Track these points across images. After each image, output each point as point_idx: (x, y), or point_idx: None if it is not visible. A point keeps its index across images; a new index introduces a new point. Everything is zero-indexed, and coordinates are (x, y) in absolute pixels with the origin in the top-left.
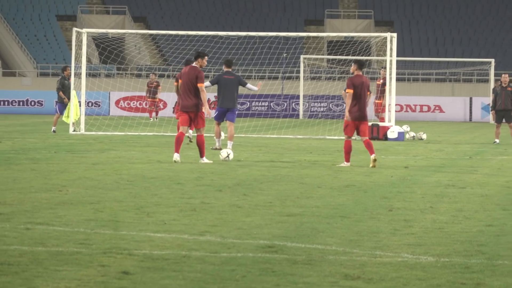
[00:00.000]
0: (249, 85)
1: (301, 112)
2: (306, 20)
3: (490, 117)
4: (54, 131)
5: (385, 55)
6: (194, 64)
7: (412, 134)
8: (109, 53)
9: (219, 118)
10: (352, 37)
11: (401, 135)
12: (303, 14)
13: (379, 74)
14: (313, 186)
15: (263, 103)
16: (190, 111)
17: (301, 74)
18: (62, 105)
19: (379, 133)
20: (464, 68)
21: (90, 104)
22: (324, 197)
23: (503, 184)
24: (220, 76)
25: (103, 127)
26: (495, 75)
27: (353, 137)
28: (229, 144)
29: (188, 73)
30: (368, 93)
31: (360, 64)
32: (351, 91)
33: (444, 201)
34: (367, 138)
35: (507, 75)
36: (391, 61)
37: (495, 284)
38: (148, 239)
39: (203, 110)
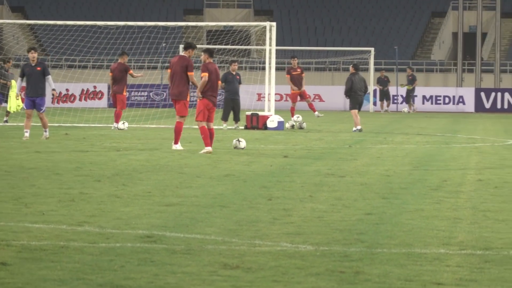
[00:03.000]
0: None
1: None
2: (185, 10)
3: (370, 106)
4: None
5: (264, 44)
6: (183, 54)
7: (292, 123)
8: None
9: (30, 107)
10: (232, 26)
11: (280, 125)
12: (182, 3)
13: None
14: (192, 175)
15: (142, 93)
16: (175, 99)
17: None
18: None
19: (259, 123)
20: (343, 57)
21: None
22: (203, 186)
23: (382, 172)
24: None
25: None
26: (375, 63)
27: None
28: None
29: (178, 62)
30: (219, 82)
31: (210, 52)
32: (206, 74)
33: (324, 190)
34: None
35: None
36: (270, 50)
37: (374, 272)
38: (26, 229)
39: (198, 95)
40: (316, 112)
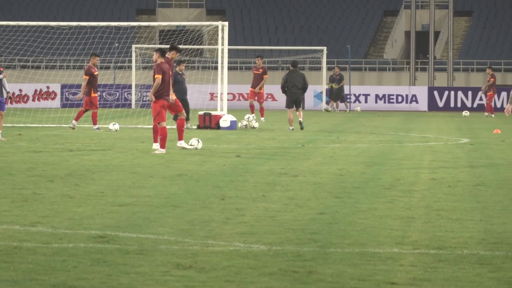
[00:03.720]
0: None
1: (133, 102)
2: (138, 10)
3: (323, 105)
4: None
5: (217, 43)
6: (167, 56)
7: (245, 122)
8: None
9: None
10: (184, 26)
11: (233, 124)
12: (135, 3)
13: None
14: (145, 175)
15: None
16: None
17: (133, 64)
18: None
19: (212, 122)
20: (296, 56)
21: None
22: (156, 186)
23: (335, 172)
24: None
25: None
26: (327, 63)
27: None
28: None
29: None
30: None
31: (162, 52)
32: (160, 76)
33: (277, 189)
34: (183, 118)
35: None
36: (222, 50)
37: (327, 272)
38: None
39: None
40: (262, 119)
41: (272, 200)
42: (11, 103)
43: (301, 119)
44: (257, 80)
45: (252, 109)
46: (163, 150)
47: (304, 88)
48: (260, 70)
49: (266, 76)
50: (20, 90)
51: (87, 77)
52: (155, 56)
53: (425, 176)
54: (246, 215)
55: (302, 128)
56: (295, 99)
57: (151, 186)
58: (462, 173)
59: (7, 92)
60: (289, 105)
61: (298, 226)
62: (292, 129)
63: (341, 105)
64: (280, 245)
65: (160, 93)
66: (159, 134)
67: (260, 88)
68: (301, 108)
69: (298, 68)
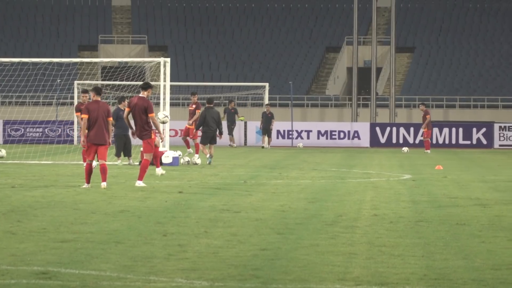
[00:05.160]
0: None
1: (75, 138)
2: (80, 46)
3: (262, 140)
4: None
5: (159, 79)
6: (141, 95)
7: (187, 159)
8: None
9: None
10: (126, 62)
11: (175, 160)
12: (77, 39)
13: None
14: (87, 211)
15: (37, 129)
16: (140, 139)
17: (75, 100)
18: None
19: (154, 158)
20: (238, 92)
21: None
22: (98, 222)
23: (277, 208)
24: None
25: None
26: (269, 99)
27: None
28: None
29: (138, 103)
30: (110, 119)
31: (97, 90)
32: (86, 116)
33: (219, 225)
34: (105, 162)
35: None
36: (164, 86)
37: None
38: None
39: (156, 136)
40: (196, 155)
41: (214, 236)
42: None
43: (211, 155)
44: (192, 116)
45: (187, 144)
46: (88, 185)
47: (219, 125)
48: (193, 106)
49: (199, 111)
50: None
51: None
52: (92, 95)
53: (367, 212)
54: (188, 251)
55: (209, 163)
56: (211, 136)
57: (93, 223)
58: (404, 209)
59: None
60: (204, 141)
61: (240, 262)
62: (210, 156)
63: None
64: (222, 281)
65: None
66: (85, 170)
67: (192, 124)
68: (214, 145)
69: (213, 105)
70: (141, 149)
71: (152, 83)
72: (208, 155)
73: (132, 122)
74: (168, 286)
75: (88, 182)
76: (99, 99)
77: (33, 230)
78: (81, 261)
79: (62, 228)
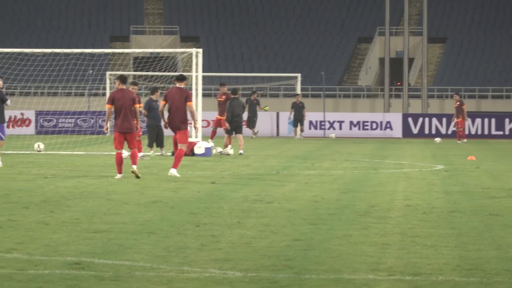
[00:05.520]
0: (8, 102)
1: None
2: (111, 36)
3: (293, 131)
4: None
5: (191, 70)
6: (179, 85)
7: (219, 149)
8: None
9: None
10: (158, 53)
11: (208, 151)
12: (109, 30)
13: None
14: (120, 202)
15: (69, 120)
16: (176, 129)
17: (107, 91)
18: None
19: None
20: (270, 83)
21: None
22: (131, 213)
23: (310, 198)
24: None
25: None
26: (302, 90)
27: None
28: None
29: (177, 94)
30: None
31: (122, 79)
32: (111, 106)
33: (252, 216)
34: (135, 149)
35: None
36: (196, 76)
37: None
38: None
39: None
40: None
41: (247, 226)
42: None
43: (242, 150)
44: (222, 107)
45: (213, 135)
46: (120, 175)
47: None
48: (223, 97)
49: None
50: None
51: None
52: (116, 83)
53: (400, 202)
54: (221, 242)
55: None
56: (235, 126)
57: (126, 213)
58: (437, 200)
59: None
60: (229, 132)
61: (273, 253)
62: (221, 151)
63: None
64: (255, 272)
65: (115, 123)
66: (117, 159)
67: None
68: (241, 134)
69: (238, 96)
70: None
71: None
72: (229, 147)
73: (165, 115)
74: (201, 276)
75: (120, 172)
76: (124, 87)
77: (66, 221)
78: (114, 252)
79: (95, 219)
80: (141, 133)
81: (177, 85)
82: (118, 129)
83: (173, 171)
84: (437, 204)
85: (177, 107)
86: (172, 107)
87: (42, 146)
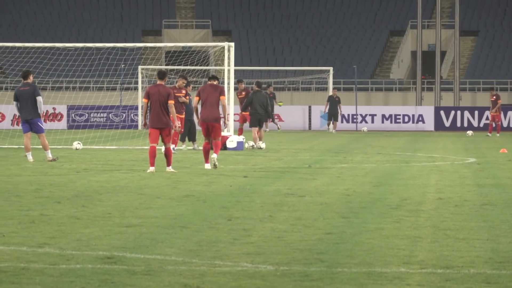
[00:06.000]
0: (39, 98)
1: (140, 123)
2: (143, 31)
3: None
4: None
5: (223, 64)
6: (212, 82)
7: (251, 143)
8: None
9: (26, 130)
10: (190, 47)
11: (240, 145)
12: (141, 24)
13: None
14: (152, 196)
15: (101, 114)
16: (213, 123)
17: (139, 85)
18: None
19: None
20: (302, 76)
21: None
22: (163, 207)
23: (342, 192)
24: (17, 89)
25: None
26: (334, 83)
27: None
28: (29, 155)
29: (211, 89)
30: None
31: (159, 74)
32: (146, 100)
33: (283, 209)
34: (169, 146)
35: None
36: (229, 70)
37: None
38: None
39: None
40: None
41: (279, 220)
42: (16, 124)
43: (262, 142)
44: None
45: (240, 132)
46: (153, 168)
47: (267, 109)
48: (243, 93)
49: None
50: None
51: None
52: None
53: (432, 195)
54: (253, 236)
55: (253, 147)
56: (258, 119)
57: (158, 207)
58: (469, 193)
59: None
60: (254, 124)
61: (305, 246)
62: (251, 145)
63: (359, 125)
64: (287, 265)
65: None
66: (150, 153)
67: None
68: (263, 129)
69: (262, 89)
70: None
71: (216, 67)
72: (258, 140)
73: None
74: (233, 270)
75: (152, 165)
76: (162, 83)
77: (98, 215)
78: (146, 246)
79: (127, 213)
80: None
81: (210, 82)
82: (151, 124)
83: (214, 156)
84: (469, 197)
85: (211, 103)
86: (206, 102)
87: (80, 146)
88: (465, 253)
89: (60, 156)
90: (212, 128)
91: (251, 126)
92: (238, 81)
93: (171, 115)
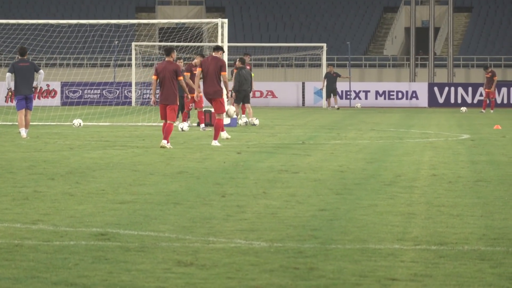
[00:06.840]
0: (41, 71)
1: (133, 100)
2: (137, 7)
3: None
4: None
5: (217, 41)
6: (215, 55)
7: (245, 119)
8: None
9: (22, 107)
10: (184, 23)
11: (233, 121)
12: (134, 1)
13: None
14: (145, 173)
15: (95, 91)
16: (211, 97)
17: (133, 62)
18: None
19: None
20: (296, 53)
21: None
22: (157, 184)
23: (336, 168)
24: (15, 64)
25: None
26: (327, 59)
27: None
28: (23, 131)
29: (212, 63)
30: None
31: (166, 50)
32: (154, 77)
33: (277, 186)
34: (172, 122)
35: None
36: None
37: (328, 268)
38: None
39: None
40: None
41: (273, 197)
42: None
43: (253, 119)
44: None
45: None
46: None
47: (251, 85)
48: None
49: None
50: None
51: (188, 74)
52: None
53: (426, 172)
54: (247, 212)
55: (253, 124)
56: (243, 96)
57: (152, 184)
58: (462, 169)
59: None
60: (238, 101)
61: (299, 223)
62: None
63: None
64: (281, 242)
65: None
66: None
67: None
68: (249, 104)
69: (246, 65)
70: (195, 109)
71: (210, 44)
72: (239, 115)
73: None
74: (227, 247)
75: (165, 138)
76: (170, 59)
77: (92, 192)
78: (139, 222)
79: (120, 190)
80: (190, 107)
81: (213, 54)
82: (160, 101)
83: (215, 143)
84: (463, 174)
85: (211, 76)
86: (207, 76)
87: (81, 124)
88: (459, 230)
89: (54, 133)
90: (212, 102)
91: (236, 102)
92: (244, 54)
93: (184, 92)
